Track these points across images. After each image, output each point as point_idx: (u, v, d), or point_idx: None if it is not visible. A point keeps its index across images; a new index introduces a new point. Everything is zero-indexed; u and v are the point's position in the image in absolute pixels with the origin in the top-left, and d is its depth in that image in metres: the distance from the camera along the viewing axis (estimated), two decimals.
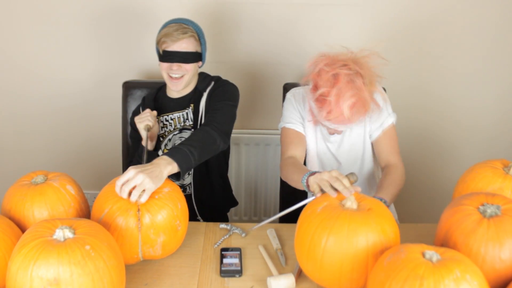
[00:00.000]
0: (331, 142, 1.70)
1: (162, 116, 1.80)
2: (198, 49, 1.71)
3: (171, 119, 1.79)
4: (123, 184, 1.24)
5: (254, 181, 2.44)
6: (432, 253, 1.01)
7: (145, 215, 1.24)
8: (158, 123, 1.79)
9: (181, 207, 1.32)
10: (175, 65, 1.67)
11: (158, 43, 1.67)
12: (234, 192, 1.99)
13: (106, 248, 1.09)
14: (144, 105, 1.82)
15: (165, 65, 1.68)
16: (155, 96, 1.83)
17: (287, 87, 1.94)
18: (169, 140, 1.80)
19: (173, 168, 1.35)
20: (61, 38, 2.19)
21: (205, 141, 1.50)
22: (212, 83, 1.78)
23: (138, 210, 1.24)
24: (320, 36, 2.14)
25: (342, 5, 2.12)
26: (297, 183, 1.41)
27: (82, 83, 2.27)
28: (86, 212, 1.38)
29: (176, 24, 1.66)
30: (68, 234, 1.08)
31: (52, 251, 1.03)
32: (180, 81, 1.70)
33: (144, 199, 1.24)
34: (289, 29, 2.17)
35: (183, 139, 1.78)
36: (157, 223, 1.26)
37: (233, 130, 2.34)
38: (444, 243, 1.18)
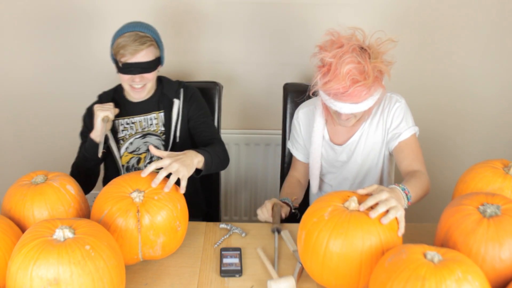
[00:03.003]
0: (339, 153, 1.68)
1: (123, 119, 1.74)
2: (158, 54, 1.65)
3: (132, 123, 1.74)
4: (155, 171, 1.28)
5: (254, 181, 2.44)
6: (433, 253, 1.01)
7: (145, 216, 1.24)
8: (117, 126, 1.74)
9: (181, 207, 1.32)
10: (137, 77, 1.62)
11: (116, 54, 1.59)
12: (233, 192, 1.99)
13: (106, 248, 1.09)
14: (101, 103, 1.73)
15: (126, 77, 1.62)
16: (112, 97, 1.76)
17: (287, 87, 1.94)
18: (131, 143, 1.74)
19: (200, 162, 1.44)
20: (62, 38, 2.19)
21: (224, 159, 1.64)
22: (182, 90, 1.75)
23: (138, 211, 1.24)
24: (320, 36, 2.14)
25: (342, 4, 2.12)
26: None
27: (82, 83, 2.27)
28: (86, 212, 1.38)
29: (132, 34, 1.58)
30: (68, 234, 1.08)
31: (52, 251, 1.03)
32: (142, 89, 1.66)
33: (183, 187, 1.32)
34: (289, 29, 2.17)
35: (147, 143, 1.74)
36: (157, 224, 1.25)
37: (233, 130, 2.35)
38: (444, 243, 1.18)
